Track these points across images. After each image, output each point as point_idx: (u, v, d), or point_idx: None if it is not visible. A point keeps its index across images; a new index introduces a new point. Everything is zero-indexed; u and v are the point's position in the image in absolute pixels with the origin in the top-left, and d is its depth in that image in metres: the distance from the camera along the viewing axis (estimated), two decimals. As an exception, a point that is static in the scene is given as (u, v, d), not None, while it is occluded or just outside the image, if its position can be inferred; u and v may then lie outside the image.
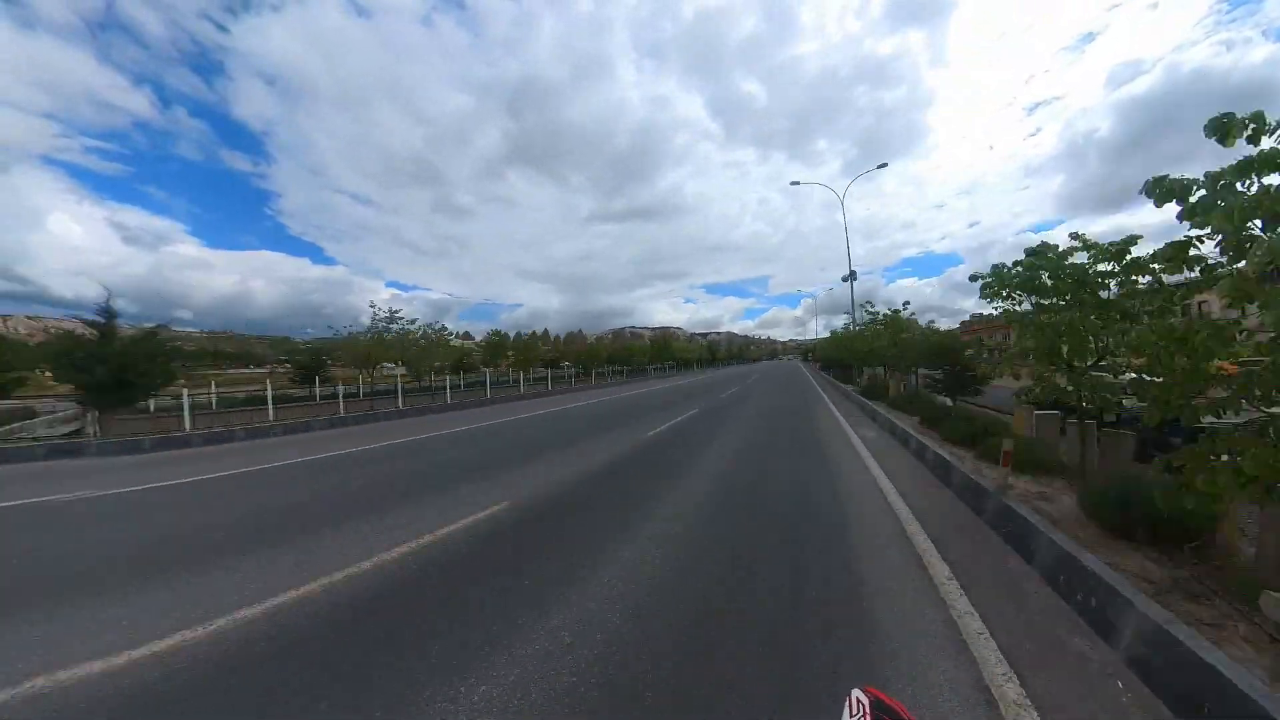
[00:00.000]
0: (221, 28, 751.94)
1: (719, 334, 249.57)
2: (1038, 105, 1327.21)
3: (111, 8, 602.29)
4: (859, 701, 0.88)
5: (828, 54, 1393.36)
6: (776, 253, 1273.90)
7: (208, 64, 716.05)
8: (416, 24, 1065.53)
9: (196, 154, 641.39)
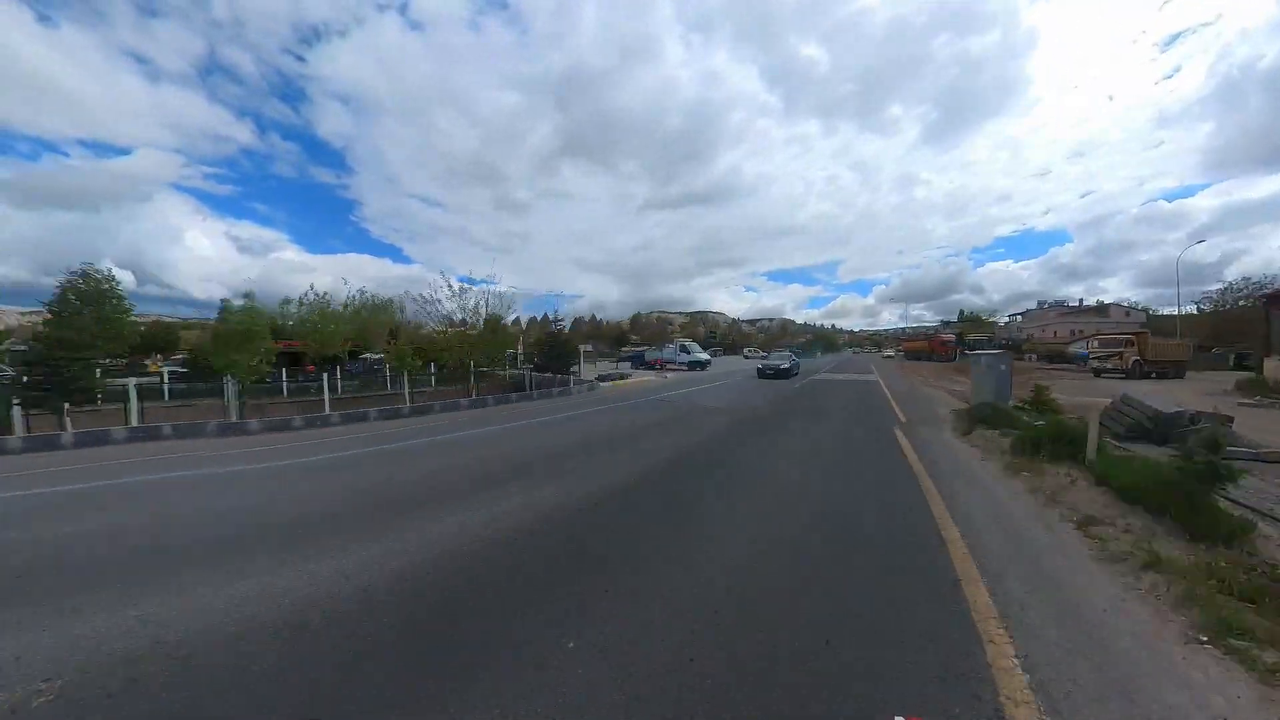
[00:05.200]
0: (300, 58, 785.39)
1: (770, 320, 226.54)
2: (1176, 37, 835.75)
3: (213, 54, 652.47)
4: None
5: (900, 1, 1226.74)
6: (846, 236, 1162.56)
7: (293, 92, 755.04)
8: (464, 29, 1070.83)
9: (291, 172, 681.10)
